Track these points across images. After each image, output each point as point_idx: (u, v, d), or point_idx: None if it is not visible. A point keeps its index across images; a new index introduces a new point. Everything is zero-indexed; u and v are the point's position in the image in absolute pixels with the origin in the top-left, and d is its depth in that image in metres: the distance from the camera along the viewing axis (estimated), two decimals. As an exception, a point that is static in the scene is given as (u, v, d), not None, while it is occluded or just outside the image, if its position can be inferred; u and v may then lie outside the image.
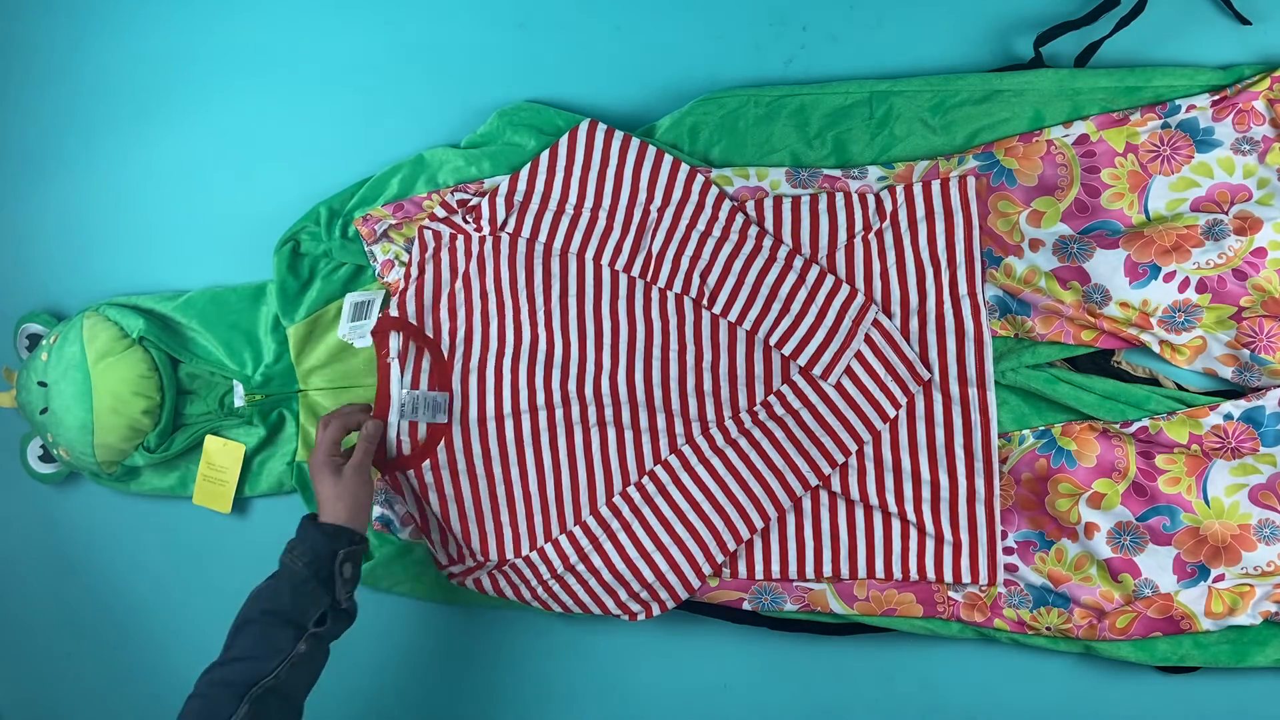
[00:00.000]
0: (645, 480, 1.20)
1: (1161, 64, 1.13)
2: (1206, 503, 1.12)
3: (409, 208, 1.26)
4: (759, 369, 1.18)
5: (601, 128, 1.20)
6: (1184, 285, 1.10)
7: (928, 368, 1.15)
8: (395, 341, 1.22)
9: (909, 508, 1.16)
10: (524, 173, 1.22)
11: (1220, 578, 1.12)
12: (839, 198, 1.17)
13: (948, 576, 1.15)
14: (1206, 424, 1.12)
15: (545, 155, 1.21)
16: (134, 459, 1.36)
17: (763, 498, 1.18)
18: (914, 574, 1.16)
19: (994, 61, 1.19)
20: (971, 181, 1.14)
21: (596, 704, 1.37)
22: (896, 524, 1.17)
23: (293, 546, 1.10)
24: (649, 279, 1.19)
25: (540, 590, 1.22)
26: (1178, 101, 1.11)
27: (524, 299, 1.21)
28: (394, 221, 1.26)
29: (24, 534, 1.54)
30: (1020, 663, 1.23)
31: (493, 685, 1.40)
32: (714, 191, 1.18)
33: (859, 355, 1.15)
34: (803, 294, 1.16)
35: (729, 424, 1.19)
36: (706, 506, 1.19)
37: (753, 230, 1.17)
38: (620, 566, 1.20)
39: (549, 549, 1.20)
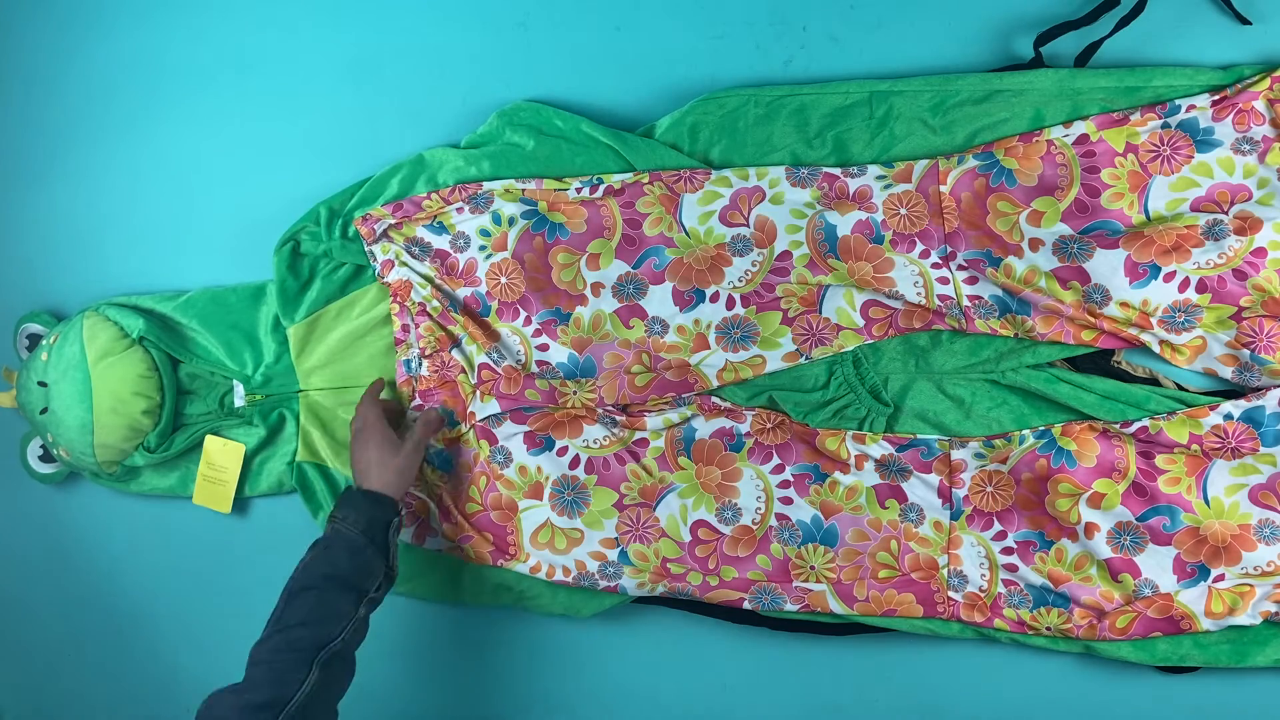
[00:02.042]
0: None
1: (1161, 64, 1.13)
2: (1206, 503, 1.12)
3: (408, 207, 1.26)
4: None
5: None
6: (1184, 285, 1.10)
7: None
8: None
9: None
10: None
11: (1220, 578, 1.12)
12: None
13: None
14: (1206, 424, 1.12)
15: None
16: (134, 459, 1.36)
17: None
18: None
19: (994, 61, 1.19)
20: None
21: (597, 703, 1.37)
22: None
23: (343, 515, 1.12)
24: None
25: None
26: (1178, 101, 1.11)
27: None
28: (393, 221, 1.26)
29: (24, 534, 1.54)
30: (1020, 663, 1.23)
31: (493, 685, 1.40)
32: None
33: None
34: None
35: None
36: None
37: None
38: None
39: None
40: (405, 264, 1.26)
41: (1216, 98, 1.10)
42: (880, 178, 1.17)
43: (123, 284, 1.43)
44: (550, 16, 1.28)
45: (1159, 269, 1.09)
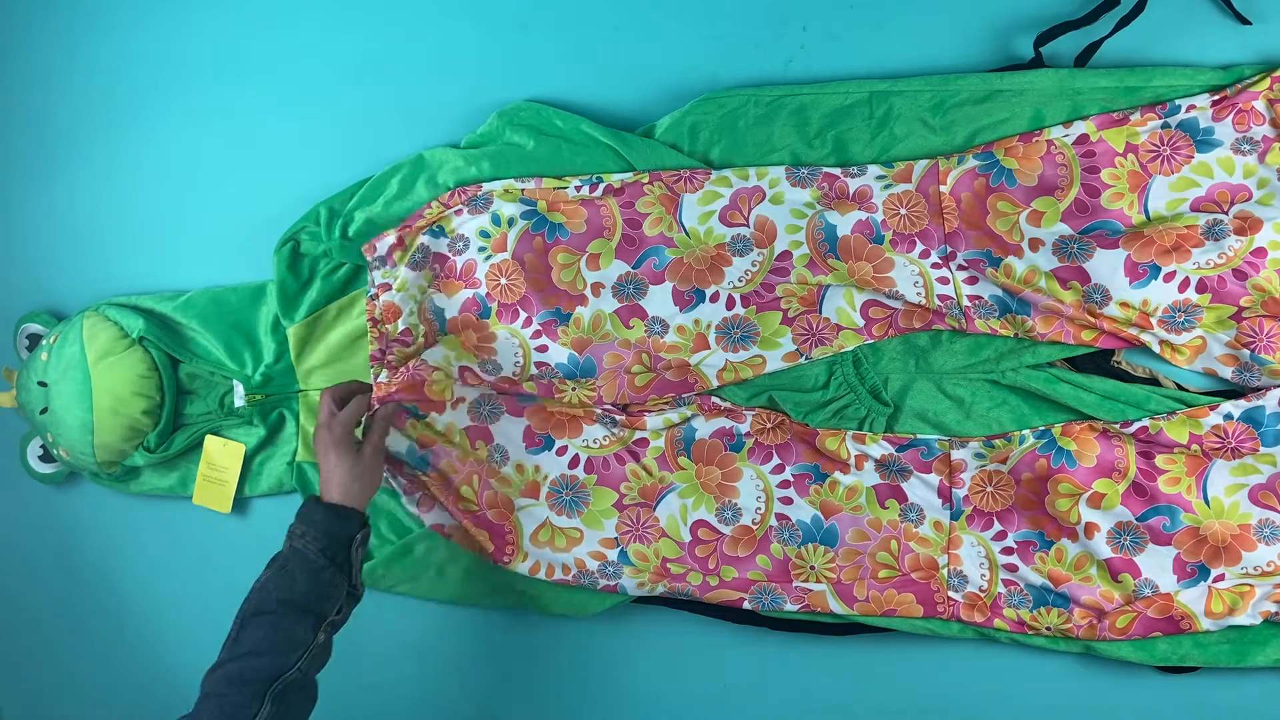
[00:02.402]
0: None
1: (1161, 64, 1.13)
2: (1206, 503, 1.12)
3: (410, 222, 1.25)
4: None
5: None
6: (1184, 285, 1.10)
7: None
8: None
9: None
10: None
11: (1220, 578, 1.12)
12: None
13: None
14: (1206, 424, 1.12)
15: None
16: (134, 459, 1.36)
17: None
18: None
19: (994, 61, 1.19)
20: None
21: (596, 703, 1.37)
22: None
23: (302, 531, 1.06)
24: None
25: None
26: (1178, 101, 1.11)
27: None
28: (394, 240, 1.24)
29: (24, 534, 1.54)
30: (1020, 663, 1.23)
31: (492, 684, 1.40)
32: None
33: None
34: None
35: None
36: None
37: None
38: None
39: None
40: (404, 288, 1.25)
41: (1216, 98, 1.10)
42: (880, 178, 1.17)
43: (123, 284, 1.43)
44: (550, 16, 1.28)
45: (1159, 269, 1.09)
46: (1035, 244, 1.13)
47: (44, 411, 1.32)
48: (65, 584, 1.54)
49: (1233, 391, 1.15)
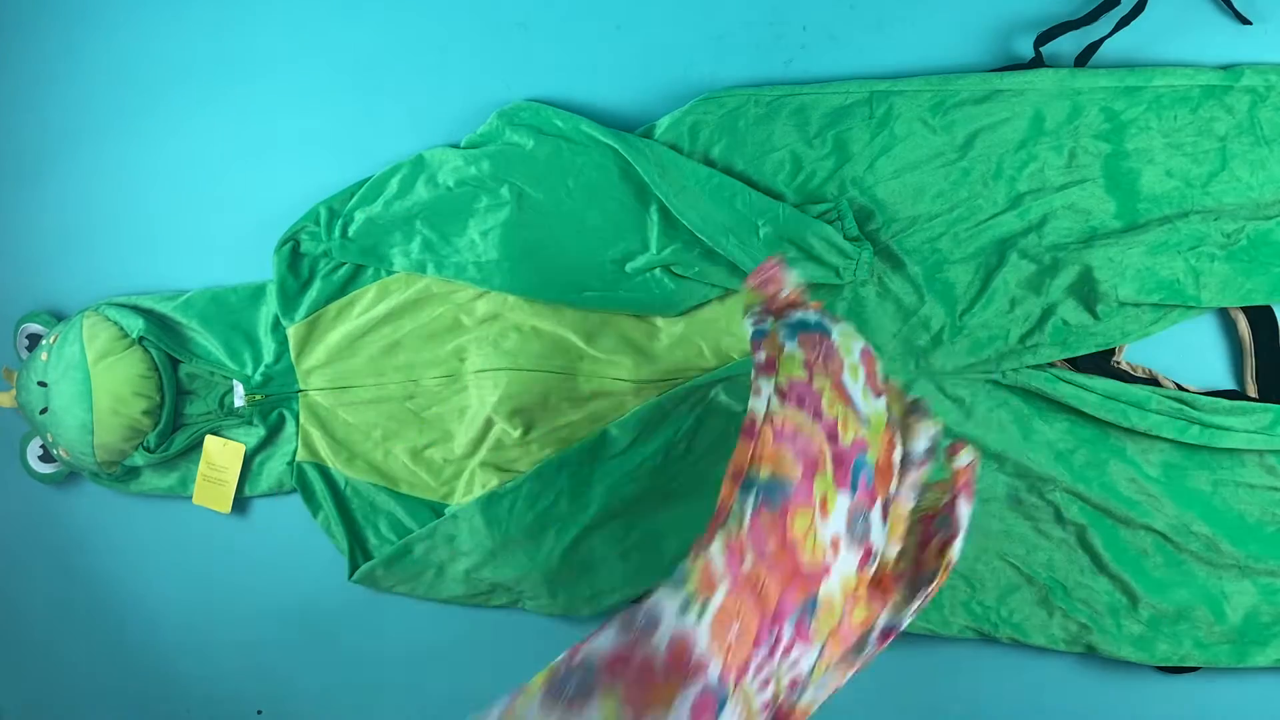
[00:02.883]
0: None
1: (1161, 64, 1.13)
2: None
3: None
4: None
5: None
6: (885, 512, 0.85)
7: None
8: None
9: None
10: None
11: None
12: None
13: None
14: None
15: None
16: (134, 459, 1.36)
17: None
18: None
19: (994, 61, 1.19)
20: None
21: (596, 704, 1.37)
22: None
23: None
24: None
25: None
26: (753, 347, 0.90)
27: None
28: None
29: (24, 534, 1.54)
30: (1020, 663, 1.24)
31: (491, 685, 1.40)
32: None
33: None
34: None
35: None
36: None
37: None
38: None
39: None
40: None
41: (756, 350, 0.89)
42: (684, 607, 0.77)
43: (123, 284, 1.43)
44: (550, 16, 1.28)
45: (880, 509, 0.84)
46: (835, 543, 0.80)
47: (44, 411, 1.32)
48: (65, 584, 1.54)
49: (1233, 392, 1.15)
